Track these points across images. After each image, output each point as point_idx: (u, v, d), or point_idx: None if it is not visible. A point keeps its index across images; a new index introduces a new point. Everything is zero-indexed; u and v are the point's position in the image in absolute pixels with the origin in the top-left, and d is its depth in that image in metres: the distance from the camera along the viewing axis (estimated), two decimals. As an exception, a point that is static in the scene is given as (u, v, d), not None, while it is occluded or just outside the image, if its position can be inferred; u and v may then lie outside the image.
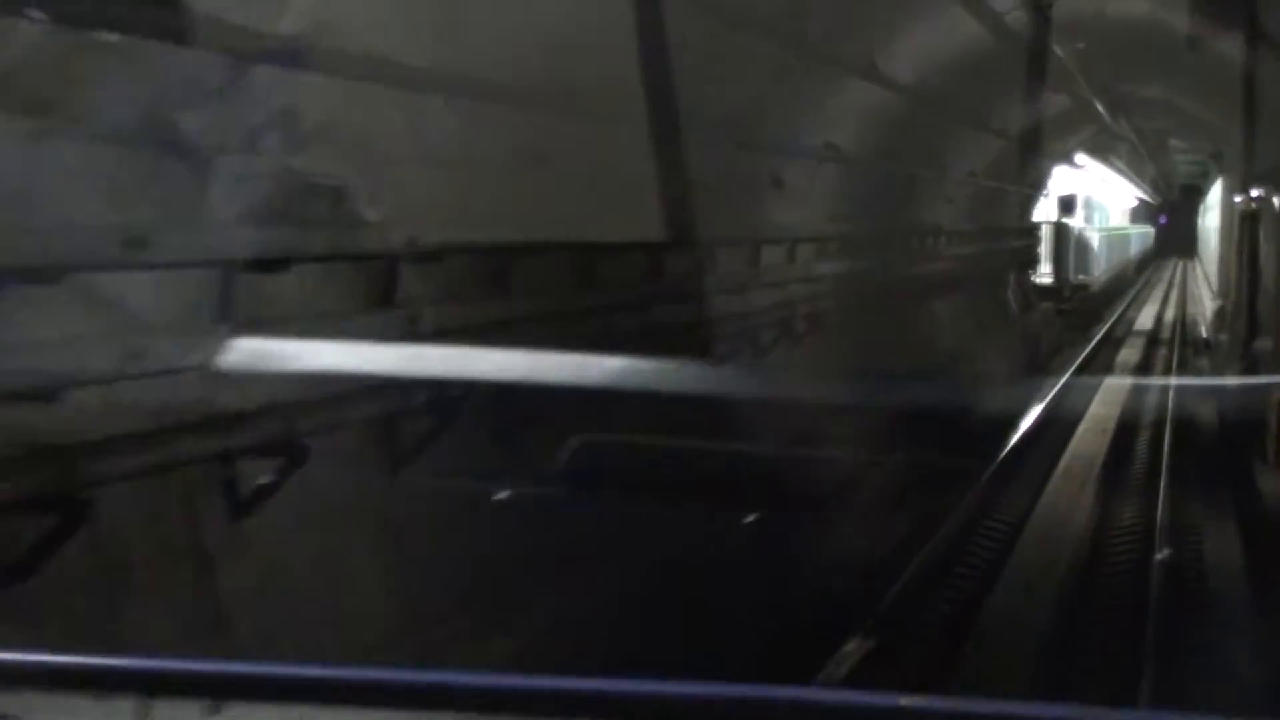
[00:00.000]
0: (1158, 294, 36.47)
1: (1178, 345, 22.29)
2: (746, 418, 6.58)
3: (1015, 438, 12.27)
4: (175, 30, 3.43)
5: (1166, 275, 46.71)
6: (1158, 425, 13.05)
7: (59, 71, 3.16)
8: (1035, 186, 22.18)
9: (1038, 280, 23.83)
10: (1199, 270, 43.53)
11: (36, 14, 3.04)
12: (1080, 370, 18.45)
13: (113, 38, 3.28)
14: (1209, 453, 11.80)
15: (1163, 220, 58.84)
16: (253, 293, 3.92)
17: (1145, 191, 43.13)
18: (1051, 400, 14.26)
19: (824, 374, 9.86)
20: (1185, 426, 12.49)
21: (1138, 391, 15.35)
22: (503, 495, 5.24)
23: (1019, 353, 18.71)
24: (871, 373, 11.05)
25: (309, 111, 4.03)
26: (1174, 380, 17.39)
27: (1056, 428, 13.04)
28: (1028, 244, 22.22)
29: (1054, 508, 9.94)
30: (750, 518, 6.36)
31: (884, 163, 11.95)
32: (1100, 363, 19.90)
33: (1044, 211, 25.55)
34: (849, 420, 9.25)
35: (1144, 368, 19.79)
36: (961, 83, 12.41)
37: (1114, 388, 15.70)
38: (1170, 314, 29.35)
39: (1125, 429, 13.02)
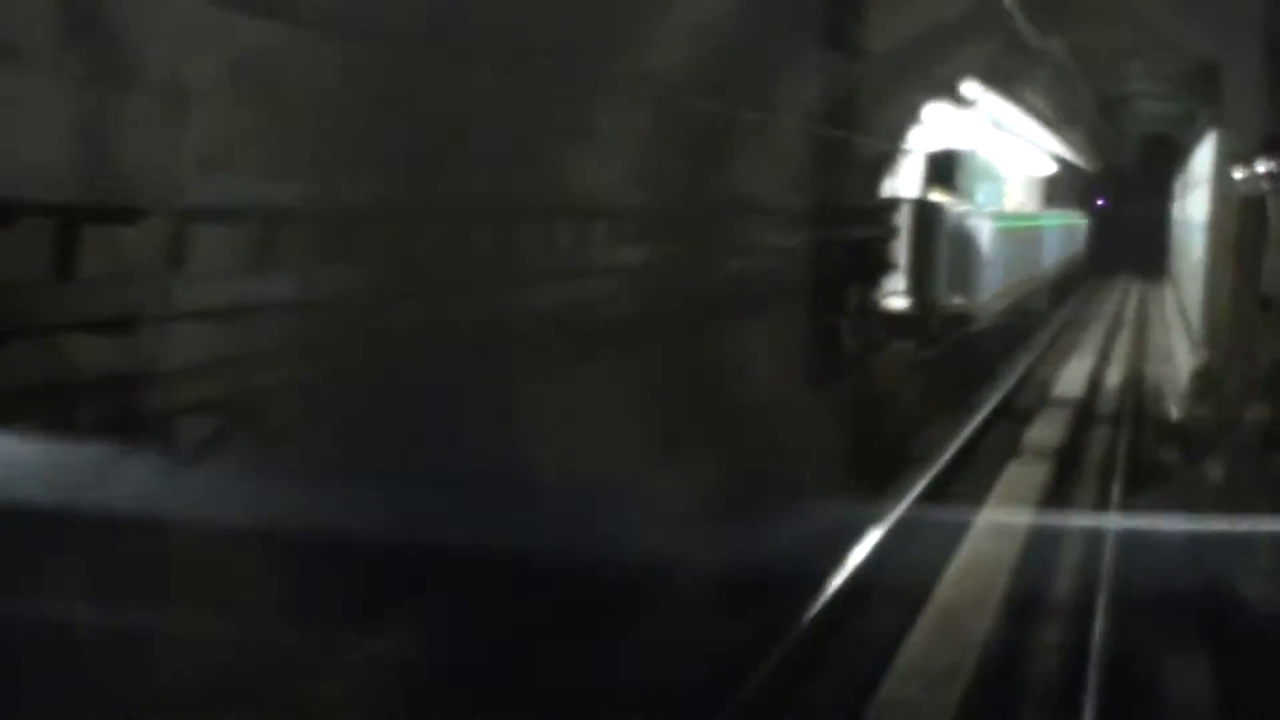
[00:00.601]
0: (1094, 336, 40.68)
1: (1127, 429, 24.58)
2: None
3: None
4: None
5: (1111, 302, 51.57)
6: (1078, 640, 12.59)
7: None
8: (892, 137, 24.83)
9: (888, 301, 26.29)
10: (1168, 296, 48.37)
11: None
12: (953, 470, 20.12)
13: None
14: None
15: (1101, 202, 64.14)
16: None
17: (1074, 149, 47.51)
18: (869, 560, 14.39)
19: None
20: (1141, 645, 12.10)
21: (1042, 542, 15.55)
22: None
23: (847, 434, 20.31)
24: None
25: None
26: (1115, 520, 16.87)
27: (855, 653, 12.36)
28: (874, 236, 24.11)
29: None
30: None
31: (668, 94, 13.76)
32: (990, 456, 21.80)
33: (901, 180, 27.82)
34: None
35: (1066, 469, 21.18)
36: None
37: (1000, 530, 16.16)
38: (1115, 373, 32.82)
39: (1004, 650, 12.43)
